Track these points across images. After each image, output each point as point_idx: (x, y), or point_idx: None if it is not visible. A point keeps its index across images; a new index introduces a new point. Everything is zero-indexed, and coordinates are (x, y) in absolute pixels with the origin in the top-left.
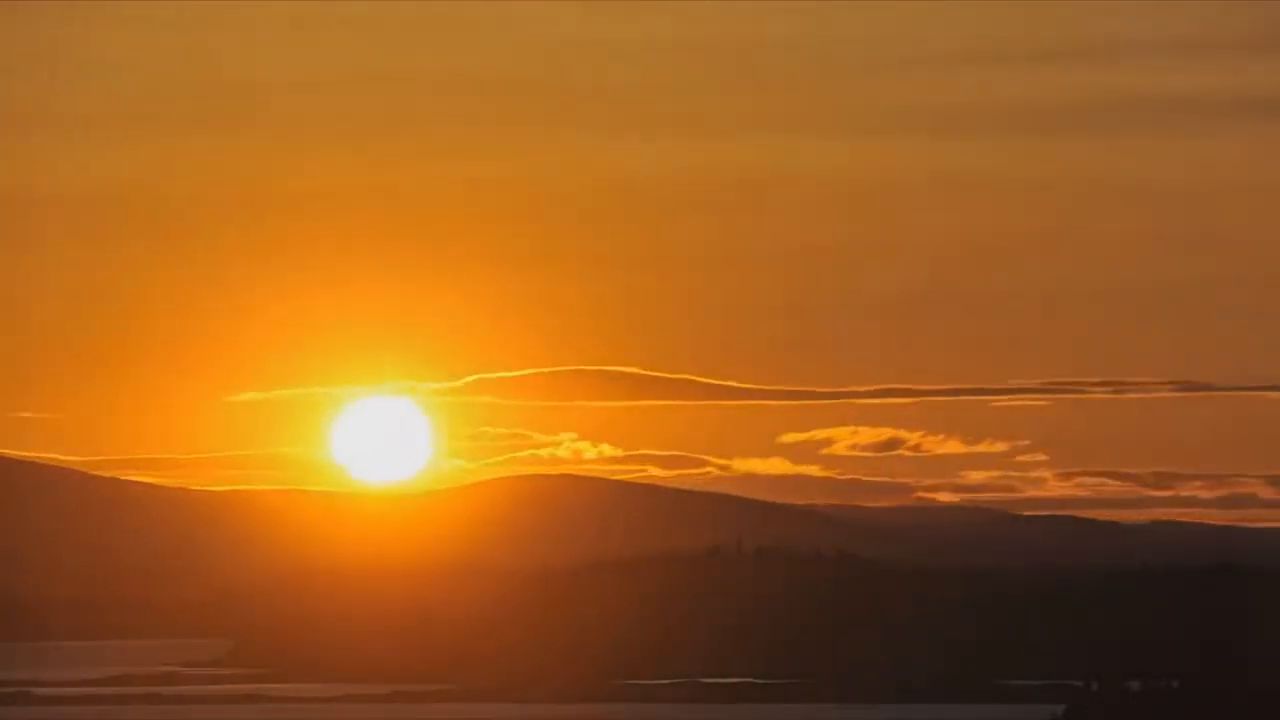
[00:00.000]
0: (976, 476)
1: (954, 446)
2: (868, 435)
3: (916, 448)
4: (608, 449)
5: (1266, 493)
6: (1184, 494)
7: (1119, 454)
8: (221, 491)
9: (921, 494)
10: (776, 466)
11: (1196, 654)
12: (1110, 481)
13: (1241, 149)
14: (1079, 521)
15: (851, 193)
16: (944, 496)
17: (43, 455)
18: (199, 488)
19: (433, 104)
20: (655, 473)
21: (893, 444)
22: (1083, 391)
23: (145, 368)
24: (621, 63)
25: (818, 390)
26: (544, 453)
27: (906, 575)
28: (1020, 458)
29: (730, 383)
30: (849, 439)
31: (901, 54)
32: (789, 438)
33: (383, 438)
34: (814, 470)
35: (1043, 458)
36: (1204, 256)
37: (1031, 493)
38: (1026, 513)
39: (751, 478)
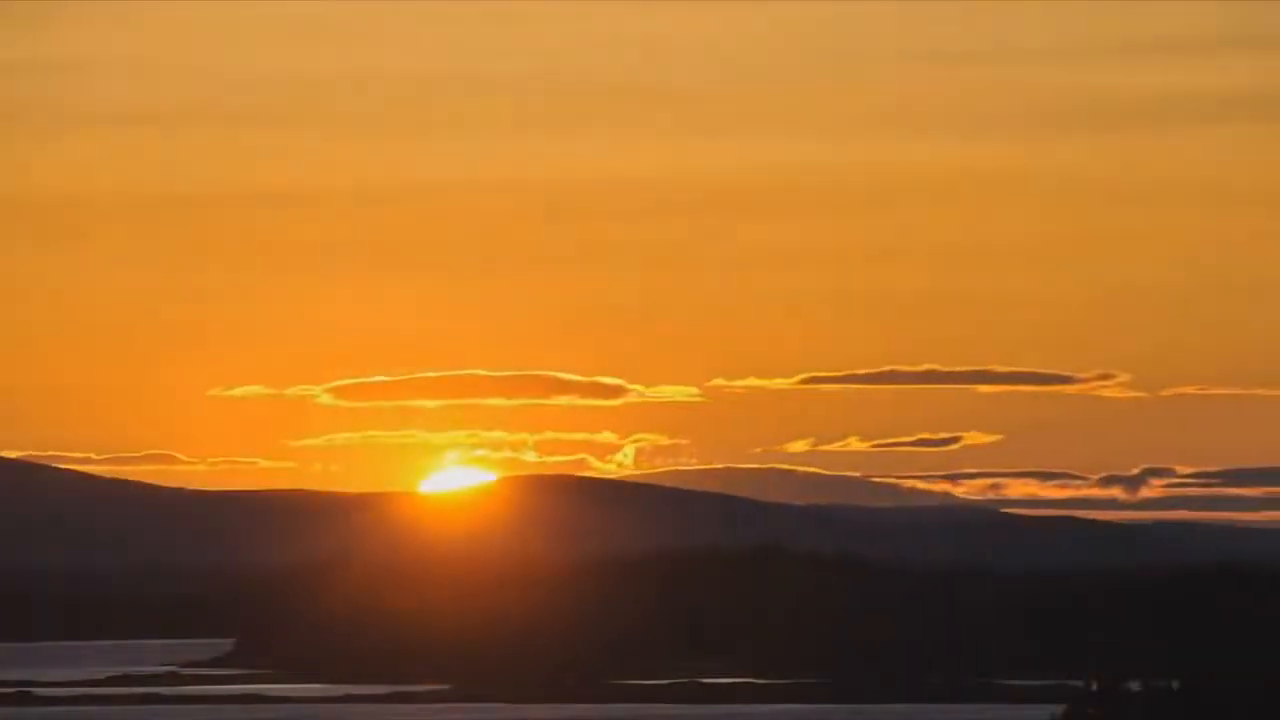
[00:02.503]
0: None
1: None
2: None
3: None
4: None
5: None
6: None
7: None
8: (223, 491)
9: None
10: (785, 463)
11: (1196, 654)
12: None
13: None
14: (1079, 522)
15: (841, 192)
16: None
17: (38, 454)
18: (199, 487)
19: (439, 103)
20: (662, 471)
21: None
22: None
23: (133, 364)
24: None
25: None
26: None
27: (906, 575)
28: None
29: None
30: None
31: (870, 53)
32: (794, 434)
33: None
34: (814, 468)
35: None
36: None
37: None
38: (1017, 511)
39: (752, 476)
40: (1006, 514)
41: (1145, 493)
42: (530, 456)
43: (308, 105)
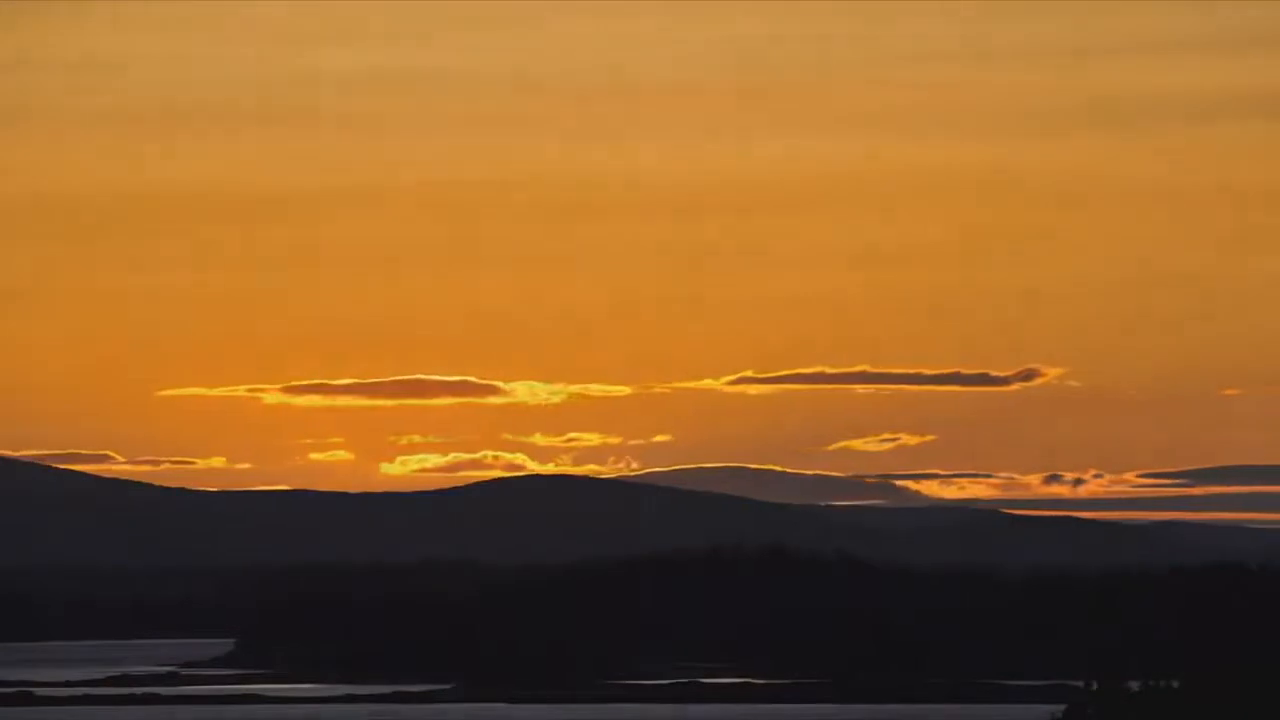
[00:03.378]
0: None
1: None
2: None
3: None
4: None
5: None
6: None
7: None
8: (220, 491)
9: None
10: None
11: (1196, 654)
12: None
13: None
14: (1079, 522)
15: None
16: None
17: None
18: (198, 487)
19: (409, 102)
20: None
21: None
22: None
23: (78, 363)
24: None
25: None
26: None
27: (905, 575)
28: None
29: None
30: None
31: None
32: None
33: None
34: (762, 466)
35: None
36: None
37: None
38: (1017, 512)
39: (757, 476)
40: (1011, 515)
41: (1085, 491)
42: (467, 455)
43: (287, 105)
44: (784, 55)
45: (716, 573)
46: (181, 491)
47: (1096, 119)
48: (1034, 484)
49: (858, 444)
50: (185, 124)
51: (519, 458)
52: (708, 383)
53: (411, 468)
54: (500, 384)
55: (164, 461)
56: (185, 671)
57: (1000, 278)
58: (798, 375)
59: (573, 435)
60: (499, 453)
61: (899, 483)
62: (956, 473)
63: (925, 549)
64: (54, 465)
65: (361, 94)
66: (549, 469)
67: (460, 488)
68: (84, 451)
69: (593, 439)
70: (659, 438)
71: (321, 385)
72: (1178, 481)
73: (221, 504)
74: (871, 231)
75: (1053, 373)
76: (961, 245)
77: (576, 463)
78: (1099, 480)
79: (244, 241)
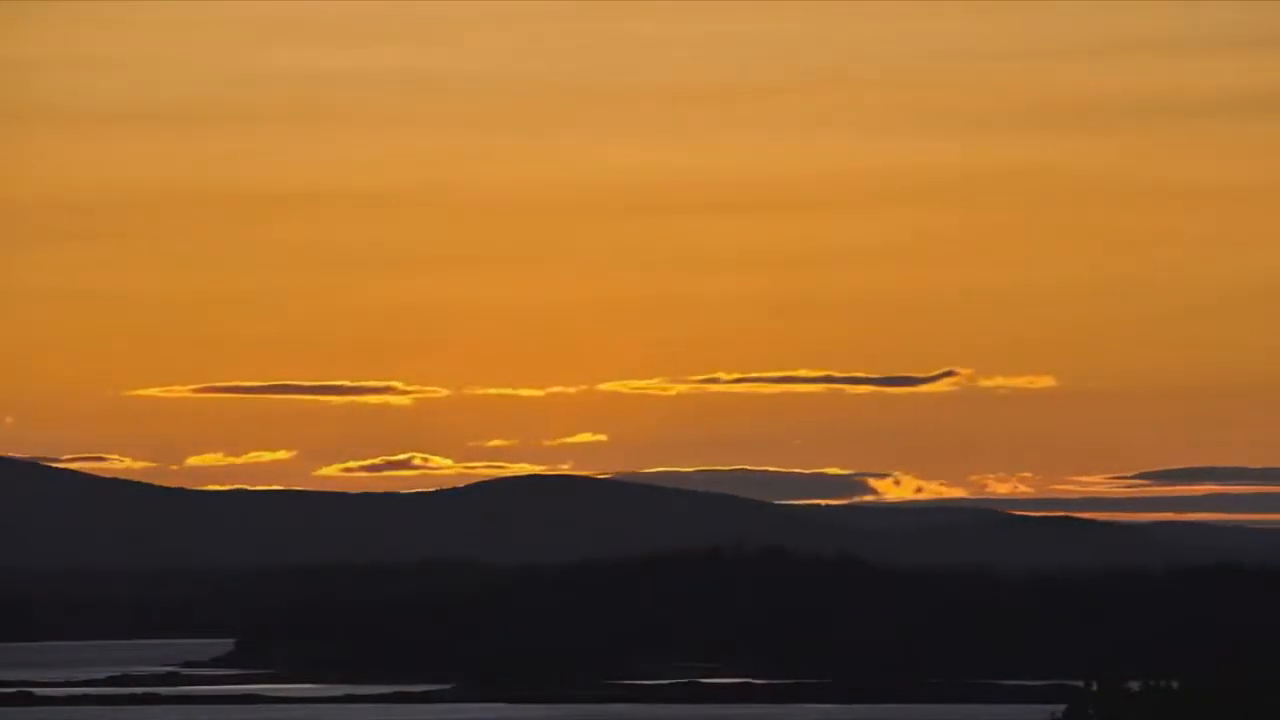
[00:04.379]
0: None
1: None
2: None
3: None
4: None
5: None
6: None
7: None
8: (216, 490)
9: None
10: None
11: (1196, 654)
12: None
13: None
14: (1079, 521)
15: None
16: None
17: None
18: (194, 486)
19: (394, 102)
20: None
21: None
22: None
23: (45, 365)
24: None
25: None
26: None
27: (906, 575)
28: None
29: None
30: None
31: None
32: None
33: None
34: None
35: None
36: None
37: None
38: (1023, 513)
39: (704, 476)
40: (1011, 515)
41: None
42: (393, 456)
43: (270, 104)
44: (722, 59)
45: (716, 573)
46: (179, 491)
47: (1029, 121)
48: (989, 483)
49: (796, 443)
50: (166, 124)
51: (446, 461)
52: (620, 385)
53: (337, 469)
54: (422, 388)
55: (111, 458)
56: (185, 671)
57: (933, 279)
58: (717, 379)
59: (498, 440)
60: (426, 455)
61: (859, 482)
62: (902, 472)
63: (916, 549)
64: (52, 465)
65: (324, 92)
66: (490, 471)
67: (460, 488)
68: (30, 455)
69: (513, 441)
70: (582, 438)
71: (238, 386)
72: (1140, 482)
73: (217, 504)
74: (796, 234)
75: (965, 372)
76: (885, 247)
77: (509, 462)
78: (1040, 479)
79: (172, 242)
